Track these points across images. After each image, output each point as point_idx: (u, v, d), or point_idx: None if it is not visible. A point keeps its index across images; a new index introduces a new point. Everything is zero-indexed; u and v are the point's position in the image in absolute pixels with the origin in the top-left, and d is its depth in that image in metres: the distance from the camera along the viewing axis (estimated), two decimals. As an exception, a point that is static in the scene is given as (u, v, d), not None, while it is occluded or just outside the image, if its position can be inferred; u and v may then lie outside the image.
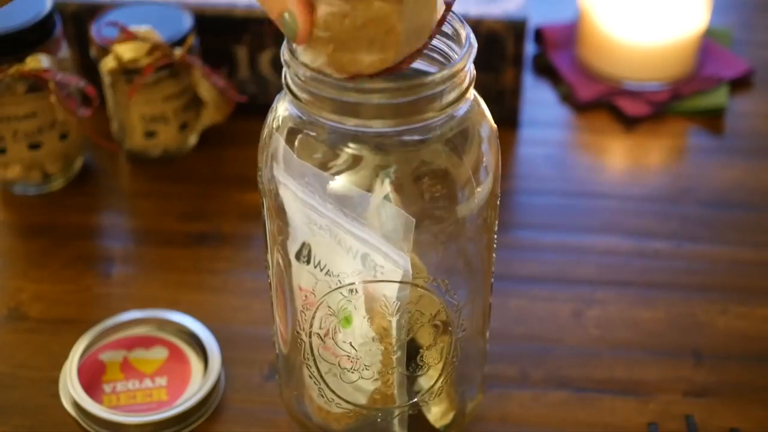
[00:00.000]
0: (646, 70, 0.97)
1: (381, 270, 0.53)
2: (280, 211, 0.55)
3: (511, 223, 0.85)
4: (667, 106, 0.96)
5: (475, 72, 0.53)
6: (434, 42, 0.54)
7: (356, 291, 0.54)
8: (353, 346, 0.56)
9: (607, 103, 0.97)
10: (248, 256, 0.80)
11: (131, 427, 0.67)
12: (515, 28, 0.88)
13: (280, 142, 0.53)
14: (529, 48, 1.03)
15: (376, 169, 0.51)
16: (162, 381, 0.70)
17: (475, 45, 0.52)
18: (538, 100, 0.98)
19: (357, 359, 0.57)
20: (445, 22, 0.53)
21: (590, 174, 0.91)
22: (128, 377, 0.70)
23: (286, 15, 0.49)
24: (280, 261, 0.57)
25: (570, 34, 1.03)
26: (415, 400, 0.59)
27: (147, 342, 0.73)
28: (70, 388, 0.68)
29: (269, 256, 0.58)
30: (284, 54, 0.51)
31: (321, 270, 0.54)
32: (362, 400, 0.59)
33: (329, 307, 0.55)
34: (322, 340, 0.57)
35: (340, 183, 0.51)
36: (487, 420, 0.68)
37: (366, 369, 0.57)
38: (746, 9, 1.13)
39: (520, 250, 0.82)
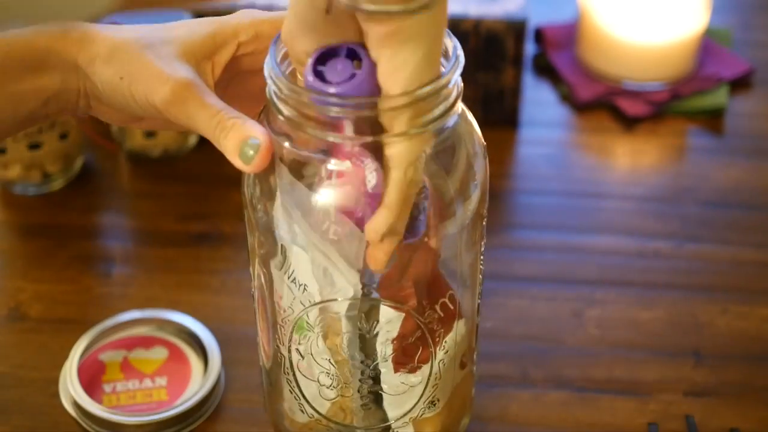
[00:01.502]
0: (646, 70, 0.97)
1: (335, 286, 0.52)
2: (261, 225, 0.54)
3: (511, 223, 0.84)
4: (667, 106, 0.96)
5: (462, 85, 0.51)
6: None
7: (313, 302, 0.54)
8: (332, 363, 0.55)
9: (607, 103, 0.97)
10: (248, 255, 0.80)
11: (131, 427, 0.67)
12: (515, 28, 0.88)
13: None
14: (529, 48, 1.03)
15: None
16: (162, 381, 0.70)
17: (462, 58, 0.50)
18: (538, 100, 0.98)
19: (337, 376, 0.56)
20: None
21: (590, 174, 0.91)
22: (128, 377, 0.70)
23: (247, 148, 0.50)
24: (261, 275, 0.56)
25: (570, 34, 1.03)
26: (401, 420, 0.58)
27: (147, 342, 0.73)
28: (70, 388, 0.68)
29: (251, 269, 0.58)
30: (267, 67, 0.50)
31: (289, 277, 0.54)
32: (342, 416, 0.58)
33: (308, 322, 0.55)
34: (300, 355, 0.56)
35: (308, 195, 0.50)
36: (487, 420, 0.68)
37: (333, 385, 0.56)
38: (746, 9, 1.13)
39: (520, 250, 0.82)
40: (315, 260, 0.52)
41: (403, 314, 0.54)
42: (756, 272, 0.80)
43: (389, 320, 0.54)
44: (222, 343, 0.71)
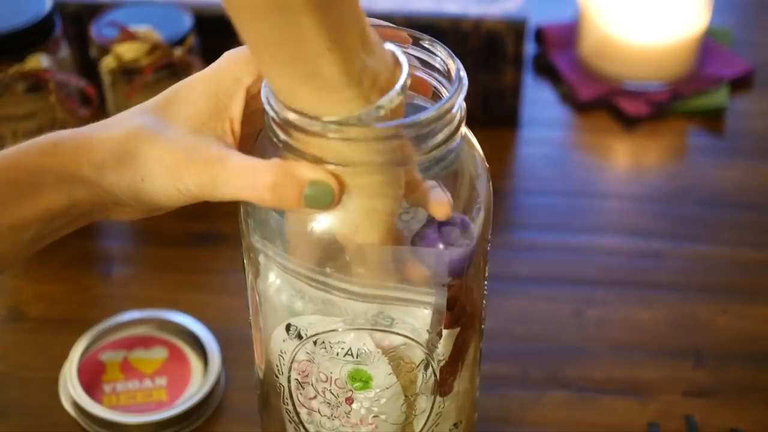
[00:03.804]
0: (646, 70, 0.97)
1: (401, 321, 0.51)
2: (253, 250, 0.53)
3: (511, 223, 0.84)
4: (667, 106, 0.96)
5: (465, 109, 0.50)
6: (424, 77, 0.51)
7: (368, 351, 0.52)
8: (333, 393, 0.54)
9: (607, 103, 0.97)
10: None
11: (131, 427, 0.67)
12: (515, 28, 0.88)
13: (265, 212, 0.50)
14: (529, 48, 1.03)
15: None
16: (162, 381, 0.70)
17: (466, 81, 0.49)
18: (538, 100, 0.98)
19: (337, 406, 0.54)
20: (435, 55, 0.51)
21: (590, 174, 0.91)
22: (128, 377, 0.70)
23: (309, 189, 0.46)
24: (256, 294, 0.55)
25: (570, 34, 1.03)
26: None
27: (147, 342, 0.73)
28: (70, 388, 0.68)
29: (246, 279, 0.56)
30: (264, 91, 0.48)
31: (314, 344, 0.52)
32: None
33: (308, 353, 0.53)
34: (300, 385, 0.55)
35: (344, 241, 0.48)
36: (487, 420, 0.68)
37: (347, 417, 0.54)
38: (746, 9, 1.13)
39: (520, 250, 0.82)
40: (346, 312, 0.51)
41: (458, 330, 0.53)
42: (756, 272, 0.80)
43: (444, 339, 0.53)
44: (222, 343, 0.71)
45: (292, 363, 0.54)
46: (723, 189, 0.88)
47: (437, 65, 0.51)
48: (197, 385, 0.69)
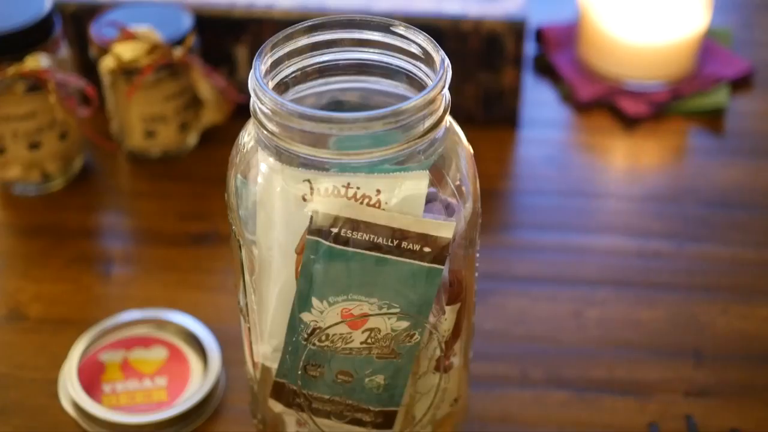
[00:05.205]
0: (646, 69, 0.97)
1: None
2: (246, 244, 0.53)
3: (511, 223, 0.84)
4: (668, 106, 0.96)
5: (450, 97, 0.51)
6: (406, 66, 0.52)
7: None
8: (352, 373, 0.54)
9: (608, 103, 0.97)
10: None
11: (131, 427, 0.67)
12: (515, 28, 0.88)
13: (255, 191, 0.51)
14: (529, 48, 1.03)
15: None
16: (162, 381, 0.70)
17: (450, 70, 0.50)
18: (538, 100, 0.98)
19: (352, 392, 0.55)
20: (417, 45, 0.52)
21: (590, 174, 0.91)
22: (128, 377, 0.70)
23: None
24: (252, 297, 0.55)
25: (570, 34, 1.03)
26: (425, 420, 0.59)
27: (146, 342, 0.73)
28: (70, 388, 0.68)
29: (241, 283, 0.56)
30: (251, 81, 0.49)
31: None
32: None
33: (315, 344, 0.53)
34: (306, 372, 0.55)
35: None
36: (487, 420, 0.68)
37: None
38: (747, 9, 1.13)
39: (520, 250, 0.82)
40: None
41: (458, 305, 0.54)
42: (756, 272, 0.80)
43: (447, 315, 0.54)
44: (222, 343, 0.71)
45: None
46: (723, 189, 0.88)
47: (413, 50, 0.52)
48: (197, 385, 0.69)
